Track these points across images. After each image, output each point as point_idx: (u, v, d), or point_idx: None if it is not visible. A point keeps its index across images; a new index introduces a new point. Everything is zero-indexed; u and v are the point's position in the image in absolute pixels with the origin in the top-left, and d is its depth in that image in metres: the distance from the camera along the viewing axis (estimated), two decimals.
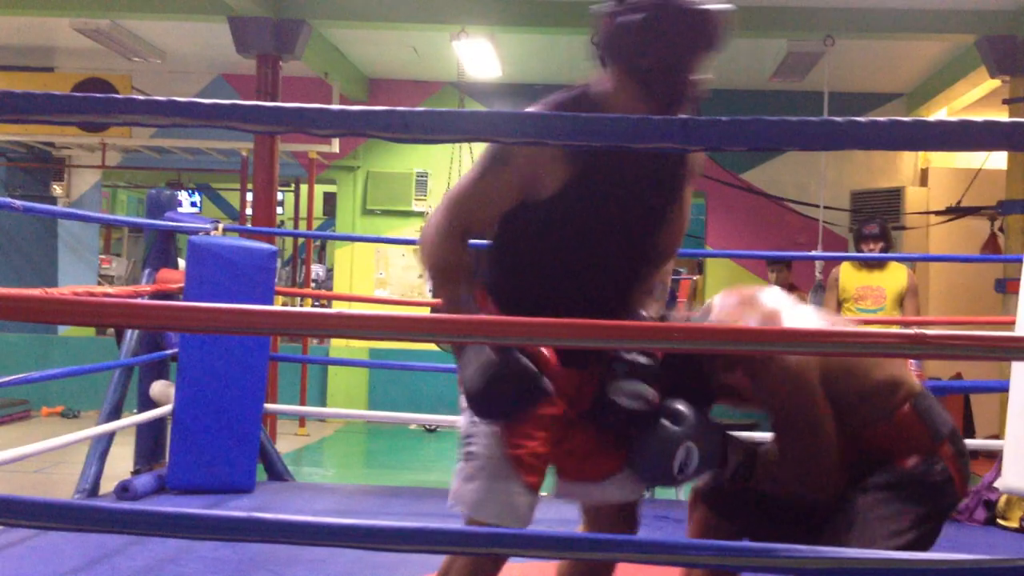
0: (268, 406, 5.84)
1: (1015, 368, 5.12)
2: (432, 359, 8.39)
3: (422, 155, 10.19)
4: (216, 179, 12.87)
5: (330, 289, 11.31)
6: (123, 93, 8.65)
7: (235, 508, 4.78)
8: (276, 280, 5.41)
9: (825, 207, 8.71)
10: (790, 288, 8.11)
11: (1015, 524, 4.89)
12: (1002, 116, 7.48)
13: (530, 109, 2.06)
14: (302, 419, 9.26)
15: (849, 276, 6.14)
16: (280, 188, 11.28)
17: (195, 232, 5.27)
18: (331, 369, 10.18)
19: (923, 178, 9.93)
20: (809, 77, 9.12)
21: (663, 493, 5.87)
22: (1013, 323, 5.43)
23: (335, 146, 9.59)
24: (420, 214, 10.29)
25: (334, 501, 5.26)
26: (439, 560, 3.85)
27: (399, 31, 8.43)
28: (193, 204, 13.80)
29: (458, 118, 1.69)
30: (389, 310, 5.91)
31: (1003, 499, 5.02)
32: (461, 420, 2.31)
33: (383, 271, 10.43)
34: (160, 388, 5.33)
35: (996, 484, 5.07)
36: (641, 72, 2.11)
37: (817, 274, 8.11)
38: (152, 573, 3.74)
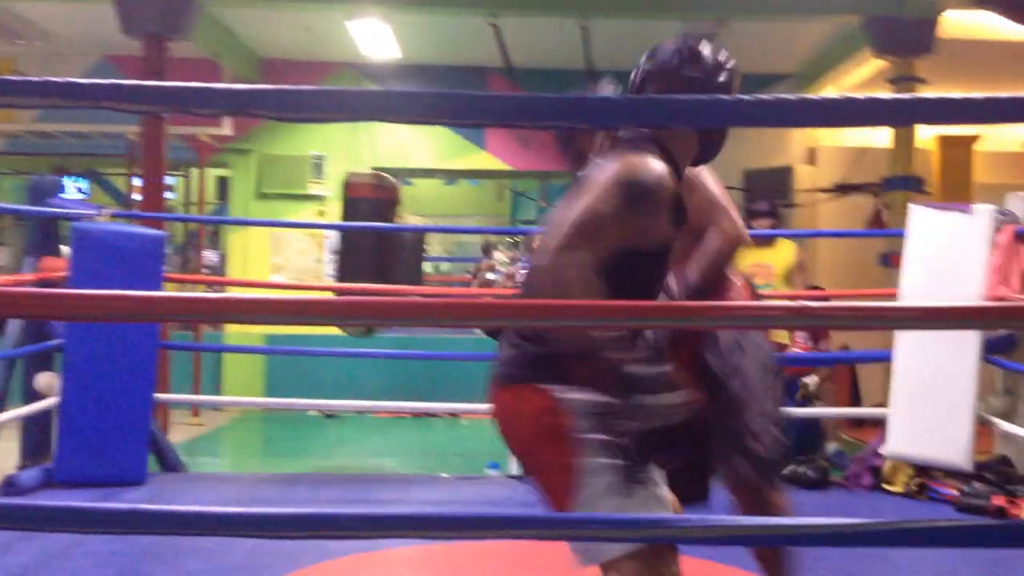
0: (159, 396, 5.71)
1: (899, 339, 5.30)
2: (331, 344, 8.31)
3: (318, 138, 10.05)
4: (104, 164, 12.48)
5: (224, 275, 11.09)
6: (3, 75, 8.33)
7: (126, 501, 4.68)
8: (166, 267, 5.29)
9: None
10: None
11: (900, 488, 5.07)
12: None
13: (617, 180, 2.12)
14: (196, 408, 9.09)
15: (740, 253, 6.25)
16: (170, 173, 10.99)
17: (79, 218, 5.11)
18: (226, 356, 10.00)
19: (811, 157, 10.18)
20: None
21: None
22: (895, 295, 5.62)
23: (227, 129, 9.38)
24: (317, 197, 10.15)
25: (229, 491, 5.18)
26: (338, 548, 3.84)
27: (292, 11, 8.28)
28: (80, 190, 13.37)
29: (350, 97, 1.66)
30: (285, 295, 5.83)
31: (888, 465, 5.20)
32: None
33: (279, 256, 10.27)
34: (45, 380, 5.17)
35: (881, 450, 5.25)
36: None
37: None
38: (41, 569, 3.64)
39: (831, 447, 6.58)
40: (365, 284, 6.44)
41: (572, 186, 2.28)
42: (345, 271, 6.83)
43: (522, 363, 2.21)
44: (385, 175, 7.26)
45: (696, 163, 2.65)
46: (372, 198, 6.84)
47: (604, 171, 2.15)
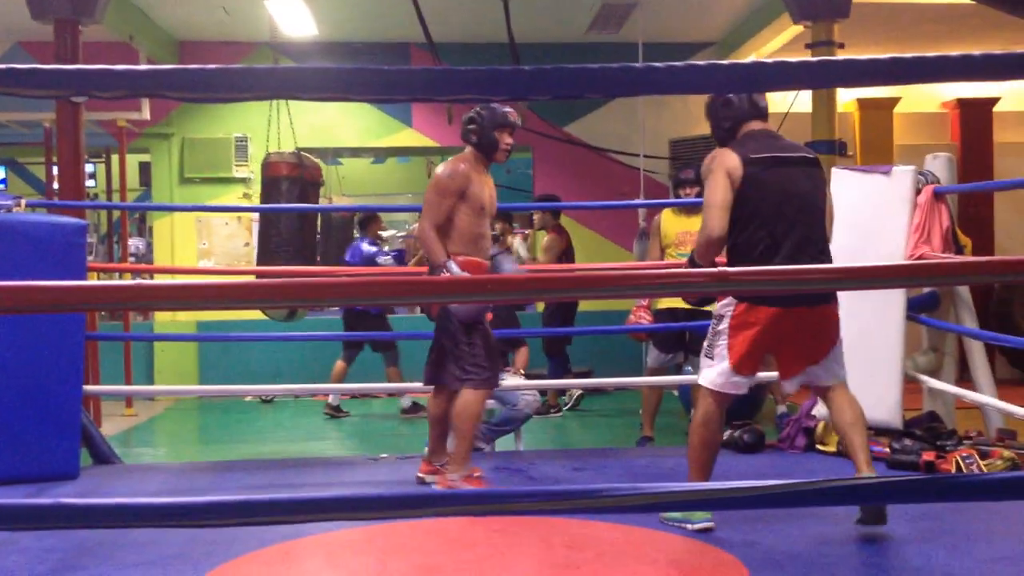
0: (89, 388, 5.60)
1: None
2: (263, 329, 8.22)
3: (240, 119, 9.89)
4: (21, 153, 12.18)
5: (151, 263, 10.90)
6: None
7: (58, 495, 4.59)
8: (91, 256, 5.18)
9: (646, 156, 8.92)
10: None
11: (832, 448, 5.17)
12: None
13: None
14: (128, 399, 8.94)
15: (670, 222, 6.30)
16: (90, 160, 10.77)
17: None
18: (157, 345, 9.84)
19: None
20: (624, 29, 9.28)
21: (503, 445, 5.95)
22: None
23: (146, 113, 9.18)
24: (242, 180, 10.00)
25: (164, 481, 5.11)
26: (273, 534, 3.81)
27: None
28: None
29: (263, 75, 1.62)
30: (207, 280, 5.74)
31: (821, 425, 5.29)
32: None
33: (206, 241, 10.12)
34: None
35: (814, 412, 5.34)
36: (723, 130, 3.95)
37: (640, 222, 8.33)
38: None
39: (780, 409, 6.67)
40: (289, 267, 6.37)
41: None
42: (266, 253, 6.76)
43: None
44: (305, 155, 7.17)
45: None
46: (292, 177, 6.76)
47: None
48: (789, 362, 3.91)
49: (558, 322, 8.28)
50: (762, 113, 3.91)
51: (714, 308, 6.11)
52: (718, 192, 3.77)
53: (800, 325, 3.78)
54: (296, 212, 6.83)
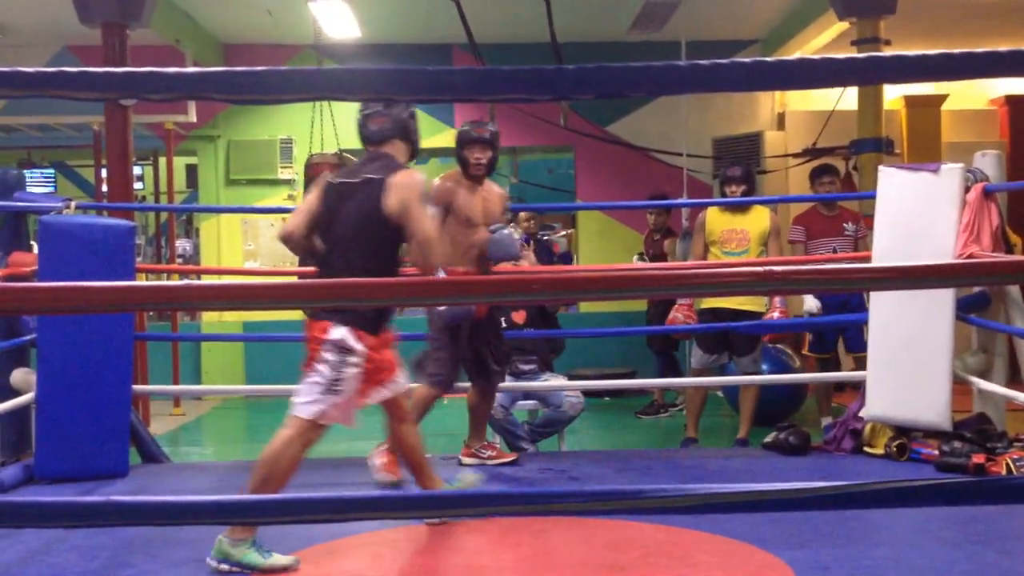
0: (138, 387, 5.67)
1: (873, 301, 5.33)
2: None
3: (284, 121, 9.97)
4: (71, 156, 12.35)
5: (198, 264, 11.01)
6: None
7: (108, 494, 4.65)
8: (139, 257, 5.25)
9: (688, 155, 8.88)
10: (668, 232, 8.28)
11: (880, 451, 5.11)
12: None
13: None
14: (177, 398, 9.04)
15: (715, 219, 6.27)
16: (138, 162, 10.89)
17: (47, 212, 5.05)
18: (204, 345, 9.94)
19: (780, 122, 10.20)
20: (667, 28, 9.23)
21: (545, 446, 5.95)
22: (870, 258, 5.64)
23: (192, 115, 9.29)
24: (287, 182, 10.08)
25: (212, 479, 5.16)
26: (318, 532, 3.84)
27: None
28: (47, 182, 13.22)
29: (308, 76, 1.64)
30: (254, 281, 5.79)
31: (868, 427, 5.23)
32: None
33: (251, 242, 10.21)
34: (21, 376, 5.13)
35: (861, 413, 5.28)
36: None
37: (684, 221, 8.28)
38: (25, 566, 3.62)
39: (825, 420, 6.56)
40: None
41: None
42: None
43: None
44: (347, 155, 7.20)
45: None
46: None
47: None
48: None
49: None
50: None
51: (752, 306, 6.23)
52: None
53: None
54: None
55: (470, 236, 4.77)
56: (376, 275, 3.53)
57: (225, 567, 3.49)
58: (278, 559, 3.51)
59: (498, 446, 5.30)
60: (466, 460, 5.08)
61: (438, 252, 3.71)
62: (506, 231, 4.70)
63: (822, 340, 6.77)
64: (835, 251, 6.49)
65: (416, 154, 4.01)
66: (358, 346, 3.58)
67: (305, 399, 3.61)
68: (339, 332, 3.56)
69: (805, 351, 7.00)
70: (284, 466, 3.59)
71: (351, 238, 3.68)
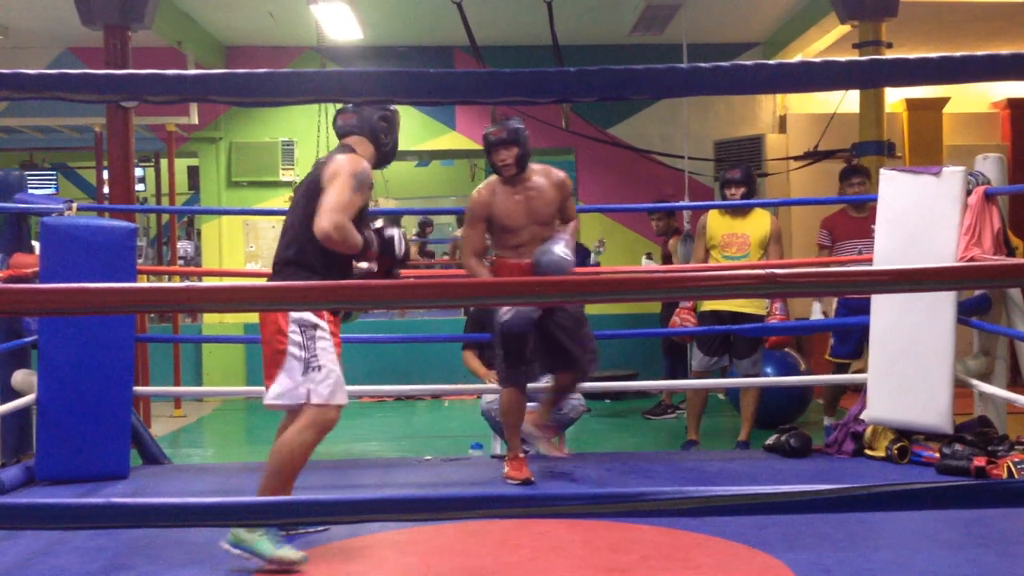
0: (139, 389, 5.68)
1: (875, 304, 5.33)
2: None
3: (286, 123, 9.98)
4: (72, 157, 12.37)
5: (199, 266, 11.02)
6: None
7: (109, 495, 4.66)
8: (141, 259, 5.26)
9: (690, 157, 8.87)
10: (675, 231, 8.28)
11: (882, 453, 5.10)
12: None
13: None
14: (177, 400, 9.04)
15: (716, 223, 6.26)
16: (140, 164, 10.91)
17: (48, 213, 5.06)
18: (205, 347, 9.95)
19: (782, 125, 10.20)
20: (668, 30, 9.24)
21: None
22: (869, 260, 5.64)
23: (194, 117, 9.30)
24: (288, 184, 10.09)
25: (213, 481, 5.16)
26: (319, 535, 3.84)
27: None
28: (49, 183, 13.24)
29: (310, 78, 1.64)
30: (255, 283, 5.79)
31: (869, 430, 5.23)
32: None
33: (253, 244, 10.21)
34: (22, 377, 5.13)
35: (862, 416, 5.28)
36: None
37: (685, 224, 8.29)
38: (26, 568, 3.62)
39: (828, 421, 6.58)
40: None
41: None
42: None
43: None
44: None
45: (376, 167, 3.88)
46: None
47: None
48: None
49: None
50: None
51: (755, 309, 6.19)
52: None
53: None
54: None
55: (518, 239, 4.72)
56: (309, 266, 3.63)
57: (236, 551, 3.50)
58: (288, 553, 3.50)
59: (554, 442, 5.18)
60: (529, 428, 4.95)
61: (336, 220, 3.55)
62: (552, 257, 4.60)
63: (844, 344, 6.64)
64: (860, 253, 6.38)
65: (386, 158, 3.94)
66: (320, 322, 3.59)
67: (287, 388, 3.61)
68: (297, 313, 3.55)
69: (827, 356, 6.97)
70: (293, 456, 3.61)
71: (291, 230, 3.74)
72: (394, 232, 3.89)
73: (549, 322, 4.75)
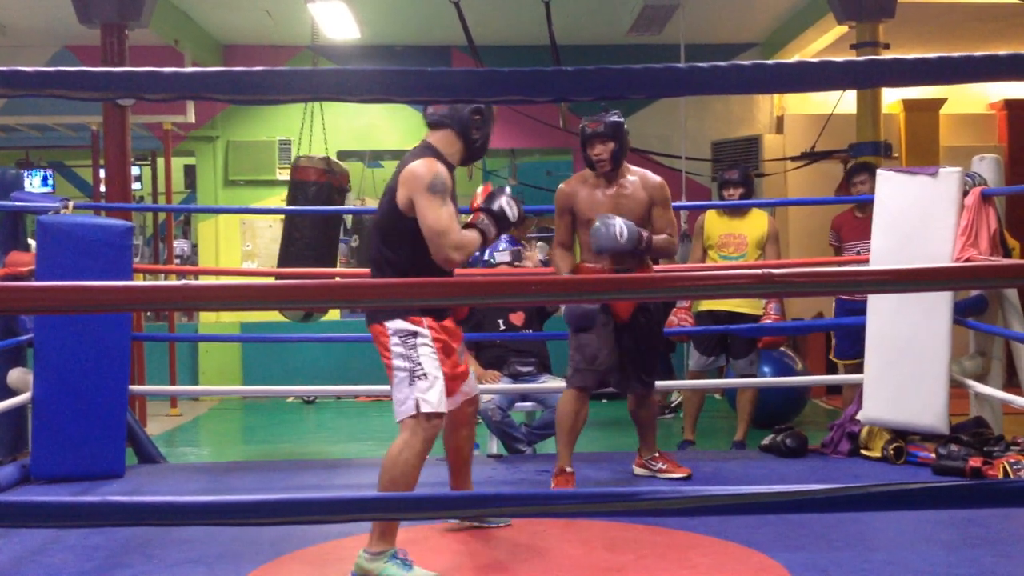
0: (134, 387, 5.67)
1: (871, 304, 5.33)
2: (306, 330, 8.27)
3: (283, 122, 9.96)
4: (69, 156, 12.35)
5: (196, 264, 11.01)
6: None
7: (104, 494, 4.65)
8: (137, 258, 5.25)
9: (687, 158, 8.88)
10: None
11: (877, 453, 5.11)
12: None
13: None
14: (173, 399, 9.04)
15: (713, 223, 6.26)
16: (136, 162, 10.89)
17: (44, 212, 5.05)
18: (202, 346, 9.94)
19: (779, 125, 10.20)
20: (666, 30, 9.24)
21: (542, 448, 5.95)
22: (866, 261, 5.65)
23: (191, 116, 9.29)
24: (285, 183, 10.07)
25: (208, 480, 5.16)
26: (315, 534, 3.83)
27: None
28: (45, 183, 13.21)
29: (307, 77, 1.64)
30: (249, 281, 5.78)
31: (865, 430, 5.23)
32: None
33: (249, 243, 10.20)
34: (18, 375, 5.12)
35: (858, 416, 5.29)
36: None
37: (683, 224, 8.29)
38: (21, 566, 3.61)
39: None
40: (310, 269, 6.43)
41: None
42: (288, 256, 6.80)
43: None
44: (335, 161, 7.20)
45: (464, 163, 3.81)
46: (320, 183, 6.79)
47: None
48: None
49: None
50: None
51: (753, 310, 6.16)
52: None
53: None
54: (320, 215, 6.83)
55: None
56: (399, 267, 3.51)
57: None
58: (419, 573, 3.34)
59: (672, 458, 4.96)
60: (637, 471, 4.89)
61: (450, 244, 3.42)
62: (607, 222, 4.33)
63: (850, 345, 6.59)
64: (859, 253, 6.36)
65: (475, 155, 3.77)
66: (420, 328, 3.45)
67: (400, 401, 3.45)
68: (395, 323, 3.45)
69: (832, 357, 6.95)
70: (404, 469, 3.39)
71: (376, 230, 3.63)
72: (500, 201, 3.65)
73: (625, 334, 4.56)
